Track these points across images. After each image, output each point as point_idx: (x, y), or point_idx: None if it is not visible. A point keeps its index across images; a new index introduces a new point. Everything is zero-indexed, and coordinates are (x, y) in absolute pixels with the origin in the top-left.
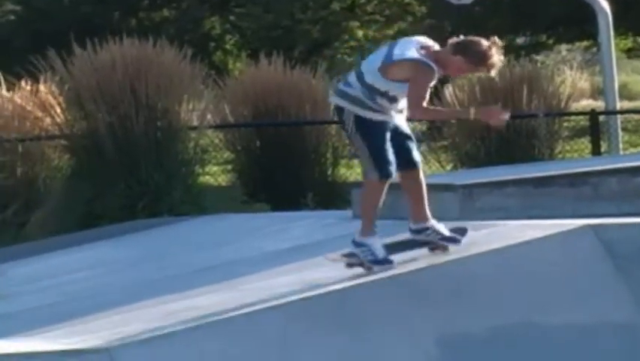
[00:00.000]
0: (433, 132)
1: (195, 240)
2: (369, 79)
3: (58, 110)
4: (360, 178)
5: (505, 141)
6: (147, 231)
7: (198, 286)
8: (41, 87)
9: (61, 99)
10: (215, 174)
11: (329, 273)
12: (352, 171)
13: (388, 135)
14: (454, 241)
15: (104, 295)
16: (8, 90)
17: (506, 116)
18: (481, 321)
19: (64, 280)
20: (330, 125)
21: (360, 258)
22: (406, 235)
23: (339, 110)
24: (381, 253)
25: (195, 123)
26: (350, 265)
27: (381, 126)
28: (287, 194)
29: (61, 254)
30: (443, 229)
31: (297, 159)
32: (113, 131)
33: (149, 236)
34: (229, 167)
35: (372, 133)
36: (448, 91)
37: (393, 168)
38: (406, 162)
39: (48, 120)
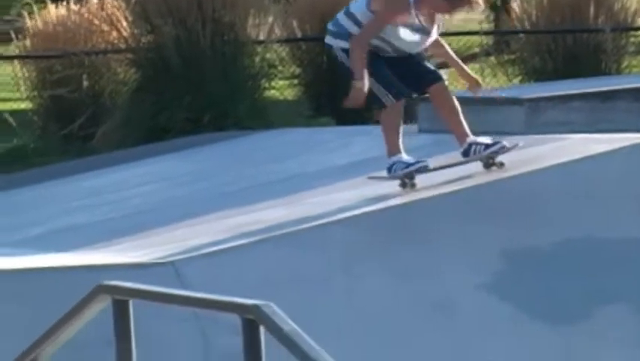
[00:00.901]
0: (500, 46)
1: (260, 154)
2: (358, 16)
3: (125, 23)
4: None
5: (572, 56)
6: (212, 145)
7: (263, 200)
8: (108, 1)
9: (127, 13)
10: (281, 89)
11: (393, 188)
12: None
13: (392, 63)
14: (499, 146)
15: (169, 208)
16: (76, 4)
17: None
18: (544, 237)
19: (128, 194)
20: None
21: (396, 174)
22: (456, 157)
23: (330, 48)
24: (410, 160)
25: (262, 37)
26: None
27: (378, 55)
28: (352, 108)
29: (126, 168)
30: (486, 140)
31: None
32: (179, 44)
33: (214, 150)
34: (295, 81)
35: (372, 63)
36: (517, 3)
37: (402, 88)
38: (428, 80)
39: (114, 34)
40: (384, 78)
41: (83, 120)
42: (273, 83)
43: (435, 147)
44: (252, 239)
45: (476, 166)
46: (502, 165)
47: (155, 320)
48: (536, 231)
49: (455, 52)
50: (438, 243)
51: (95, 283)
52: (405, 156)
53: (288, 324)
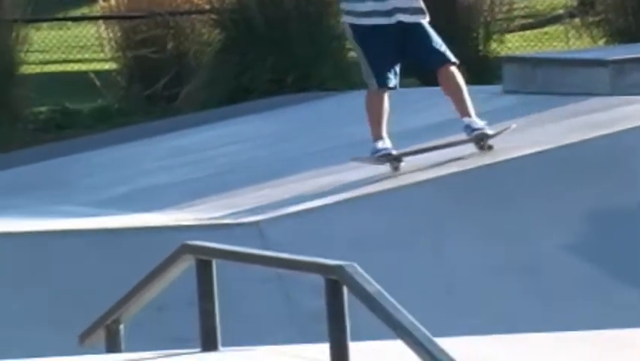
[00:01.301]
0: (585, 7)
1: (344, 115)
2: None
3: None
4: (511, 53)
5: None
6: (295, 105)
7: (347, 161)
8: None
9: None
10: None
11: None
12: (504, 47)
13: (391, 43)
14: (480, 133)
15: (252, 169)
16: None
17: None
18: (631, 196)
19: (212, 154)
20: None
21: (368, 160)
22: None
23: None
24: (379, 147)
25: None
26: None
27: (377, 32)
28: None
29: (209, 128)
30: (479, 123)
31: (449, 33)
32: (262, 5)
33: (298, 111)
34: None
35: (367, 41)
36: None
37: (391, 76)
38: (432, 62)
39: None
40: (375, 59)
41: (167, 81)
42: None
43: (520, 108)
44: (336, 200)
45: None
46: (490, 147)
47: (238, 281)
48: (623, 191)
49: (539, 14)
50: (523, 204)
51: (178, 244)
52: (379, 144)
53: (372, 285)
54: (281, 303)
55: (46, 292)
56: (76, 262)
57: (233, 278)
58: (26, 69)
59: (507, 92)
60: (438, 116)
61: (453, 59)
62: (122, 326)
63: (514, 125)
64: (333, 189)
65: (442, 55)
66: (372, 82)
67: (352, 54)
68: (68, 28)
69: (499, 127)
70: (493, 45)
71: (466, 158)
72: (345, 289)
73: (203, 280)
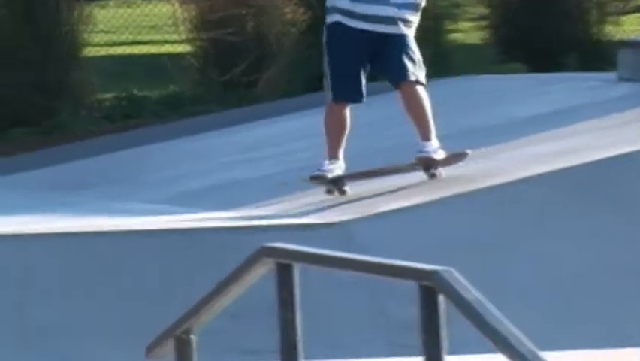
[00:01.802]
0: None
1: (443, 104)
2: None
3: None
4: (627, 37)
5: None
6: (388, 93)
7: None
8: None
9: None
10: (466, 31)
11: (591, 141)
12: (619, 29)
13: (358, 51)
14: (424, 157)
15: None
16: None
17: None
18: None
19: (293, 147)
20: None
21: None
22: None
23: None
24: (323, 170)
25: None
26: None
27: (345, 39)
28: (545, 53)
29: (291, 118)
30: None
31: (558, 14)
32: None
33: (391, 99)
34: (482, 23)
35: (333, 45)
36: None
37: (350, 91)
38: (393, 77)
39: None
40: (336, 71)
41: (245, 65)
42: (457, 25)
43: (637, 97)
44: (431, 198)
45: None
46: (432, 176)
47: (321, 287)
48: None
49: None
50: (631, 203)
51: (256, 246)
52: (325, 165)
53: (471, 292)
54: (369, 312)
55: (111, 300)
56: (143, 267)
57: (317, 284)
58: (90, 51)
59: (622, 79)
60: (555, 103)
61: (420, 78)
62: (193, 337)
63: (469, 152)
64: (428, 186)
65: (406, 72)
66: (329, 94)
67: (452, 36)
68: (137, 6)
69: (451, 152)
70: (608, 28)
71: (575, 150)
72: (441, 297)
73: (284, 286)
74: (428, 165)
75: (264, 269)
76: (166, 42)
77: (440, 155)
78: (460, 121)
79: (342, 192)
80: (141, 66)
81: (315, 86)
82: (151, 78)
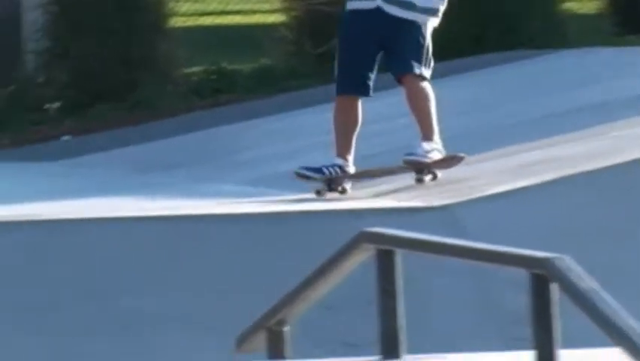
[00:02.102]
0: None
1: (555, 78)
2: None
3: None
4: None
5: None
6: (496, 67)
7: (558, 133)
8: None
9: None
10: (581, 0)
11: None
12: None
13: (371, 39)
14: (413, 160)
15: (443, 143)
16: None
17: None
18: None
19: (393, 125)
20: None
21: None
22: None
23: None
24: (323, 169)
25: None
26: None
27: (355, 25)
28: None
29: (390, 94)
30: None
31: None
32: None
33: (499, 73)
34: None
35: (342, 33)
36: None
37: (350, 84)
38: (395, 69)
39: None
40: (340, 58)
41: None
42: None
43: None
44: (541, 180)
45: None
46: (420, 181)
47: (425, 275)
48: None
49: None
50: None
51: (355, 231)
52: (336, 161)
53: (586, 281)
54: (476, 301)
55: (195, 289)
56: (231, 253)
57: (420, 272)
58: (177, 22)
59: None
60: None
61: (424, 74)
62: (286, 329)
63: (464, 155)
64: (541, 167)
65: (411, 65)
66: (336, 86)
67: (566, 5)
68: None
69: (448, 155)
70: None
71: None
72: (553, 286)
73: (385, 274)
74: (418, 169)
75: (364, 256)
76: (257, 12)
77: (432, 157)
78: (575, 95)
79: (343, 191)
80: (231, 38)
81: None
82: (241, 51)
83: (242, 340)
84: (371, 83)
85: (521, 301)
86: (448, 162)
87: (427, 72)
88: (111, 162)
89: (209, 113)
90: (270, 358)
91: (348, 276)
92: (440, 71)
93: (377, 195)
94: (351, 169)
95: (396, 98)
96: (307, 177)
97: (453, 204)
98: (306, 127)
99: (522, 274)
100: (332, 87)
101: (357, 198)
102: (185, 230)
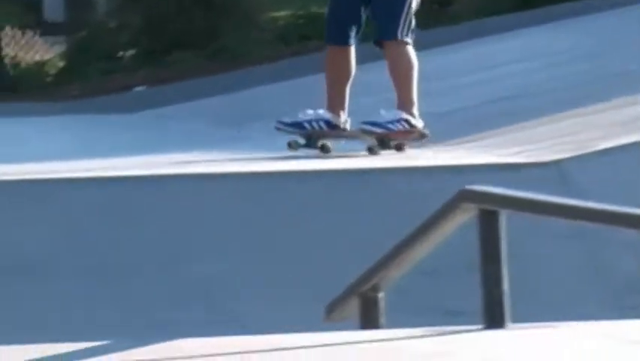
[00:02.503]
0: None
1: None
2: None
3: None
4: None
5: None
6: (603, 12)
7: None
8: None
9: None
10: None
11: None
12: None
13: None
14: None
15: (548, 93)
16: None
17: None
18: None
19: (496, 74)
20: None
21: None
22: None
23: None
24: (304, 123)
25: None
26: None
27: None
28: None
29: (490, 41)
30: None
31: None
32: None
33: (607, 19)
34: None
35: None
36: None
37: (335, 33)
38: (377, 33)
39: None
40: (329, 11)
41: None
42: None
43: None
44: None
45: None
46: (371, 150)
47: (531, 238)
48: None
49: None
50: None
51: (455, 189)
52: (324, 114)
53: None
54: (587, 266)
55: (277, 250)
56: (318, 212)
57: (526, 234)
58: None
59: None
60: None
61: (405, 39)
62: (381, 295)
63: (426, 133)
64: None
65: (389, 30)
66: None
67: None
68: None
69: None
70: None
71: None
72: None
73: (488, 237)
74: (378, 138)
75: (465, 216)
76: None
77: (395, 127)
78: None
79: (324, 150)
80: None
81: (519, 3)
82: None
83: (332, 307)
84: (352, 34)
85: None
86: (409, 135)
87: (408, 38)
88: (189, 115)
89: (296, 62)
90: (363, 327)
91: (447, 238)
92: (539, 17)
93: (475, 151)
94: (343, 124)
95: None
96: (286, 132)
97: (562, 159)
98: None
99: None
100: (429, 32)
101: (460, 156)
102: (265, 187)
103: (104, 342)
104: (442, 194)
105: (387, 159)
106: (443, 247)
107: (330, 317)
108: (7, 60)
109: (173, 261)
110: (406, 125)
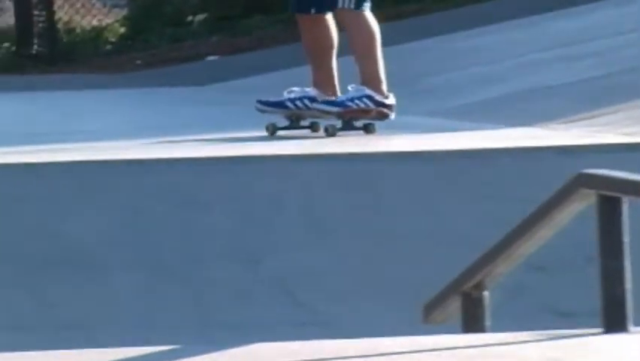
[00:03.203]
0: None
1: None
2: None
3: None
4: None
5: None
6: None
7: None
8: None
9: None
10: None
11: None
12: None
13: None
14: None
15: None
16: None
17: None
18: None
19: (616, 42)
20: None
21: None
22: None
23: None
24: (286, 102)
25: None
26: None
27: None
28: None
29: (606, 5)
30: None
31: None
32: None
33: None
34: None
35: None
36: None
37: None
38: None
39: None
40: None
41: None
42: None
43: None
44: None
45: None
46: (326, 131)
47: None
48: None
49: None
50: None
51: (568, 173)
52: (309, 91)
53: None
54: None
55: (368, 241)
56: (414, 197)
57: None
58: None
59: None
60: None
61: (360, 6)
62: (485, 293)
63: (387, 114)
64: None
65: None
66: None
67: None
68: None
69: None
70: None
71: None
72: None
73: (608, 227)
74: (339, 116)
75: (581, 204)
76: None
77: (355, 105)
78: None
79: (313, 128)
80: None
81: None
82: None
83: (431, 307)
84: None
85: None
86: (365, 114)
87: (362, 4)
88: (267, 88)
89: (390, 27)
90: (467, 330)
91: (561, 229)
92: None
93: (591, 130)
94: (357, 91)
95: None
96: (266, 112)
97: None
98: (512, 44)
99: None
100: None
101: (575, 136)
102: (356, 171)
103: (173, 346)
104: (555, 179)
105: (494, 140)
106: (556, 240)
107: (428, 319)
108: (60, 25)
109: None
110: (368, 103)
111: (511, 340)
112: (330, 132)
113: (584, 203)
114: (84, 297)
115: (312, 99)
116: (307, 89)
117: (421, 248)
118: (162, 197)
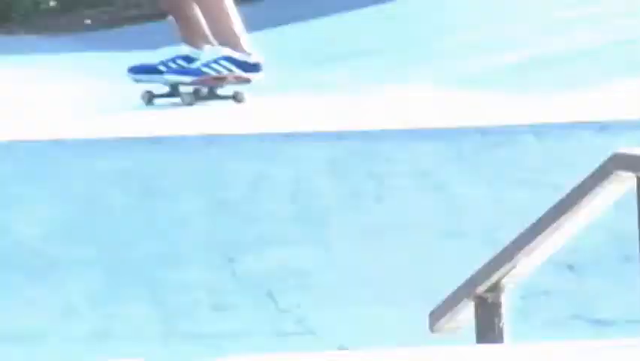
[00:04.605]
0: None
1: None
2: None
3: None
4: None
5: None
6: None
7: None
8: None
9: None
10: None
11: None
12: None
13: None
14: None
15: None
16: None
17: None
18: None
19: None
20: None
21: None
22: None
23: None
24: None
25: None
26: None
27: None
28: None
29: None
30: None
31: None
32: None
33: None
34: None
35: None
36: None
37: None
38: None
39: None
40: None
41: None
42: None
43: None
44: None
45: None
46: (189, 98)
47: None
48: None
49: None
50: None
51: (602, 153)
52: (182, 49)
53: None
54: None
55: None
56: (419, 183)
57: None
58: None
59: None
60: None
61: None
62: (503, 298)
63: (247, 78)
64: None
65: None
66: None
67: None
68: None
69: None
70: None
71: None
72: None
73: None
74: (203, 81)
75: (618, 189)
76: None
77: (215, 70)
78: None
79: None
80: None
81: None
82: None
83: (439, 313)
84: None
85: None
86: (221, 81)
87: None
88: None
89: None
90: (481, 339)
91: (594, 220)
92: None
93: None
94: (213, 53)
95: None
96: (143, 82)
97: None
98: (528, 4)
99: None
100: None
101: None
102: (350, 150)
103: None
104: (587, 160)
105: (516, 114)
106: (588, 232)
107: (436, 327)
108: None
109: (226, 250)
110: (228, 66)
111: (533, 352)
112: (188, 102)
113: (621, 188)
114: (27, 303)
115: (186, 58)
116: (180, 47)
117: (428, 243)
118: (120, 183)
